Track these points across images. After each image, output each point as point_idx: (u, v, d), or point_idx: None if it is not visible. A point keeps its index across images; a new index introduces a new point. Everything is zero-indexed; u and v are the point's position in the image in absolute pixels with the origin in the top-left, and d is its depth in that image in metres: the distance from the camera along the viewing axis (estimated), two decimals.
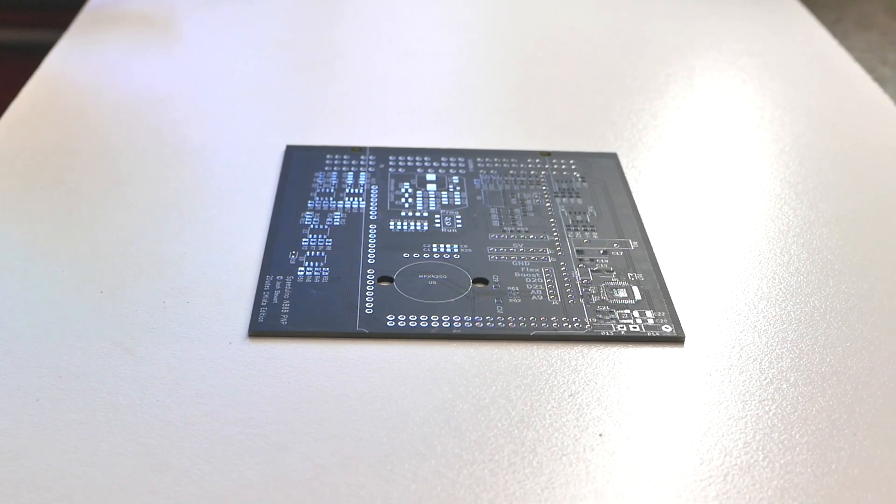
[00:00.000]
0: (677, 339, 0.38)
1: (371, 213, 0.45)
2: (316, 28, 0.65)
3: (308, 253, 0.42)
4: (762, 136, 0.53)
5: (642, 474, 0.32)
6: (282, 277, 0.40)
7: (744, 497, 0.31)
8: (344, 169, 0.48)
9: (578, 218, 0.45)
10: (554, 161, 0.49)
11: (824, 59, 0.62)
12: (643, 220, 0.45)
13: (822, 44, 0.64)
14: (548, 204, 0.46)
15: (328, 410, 0.34)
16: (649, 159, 0.50)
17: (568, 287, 0.40)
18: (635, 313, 0.39)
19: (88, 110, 0.54)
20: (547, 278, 0.41)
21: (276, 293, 0.39)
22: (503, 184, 0.47)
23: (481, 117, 0.55)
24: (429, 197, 0.46)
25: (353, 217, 0.44)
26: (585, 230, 0.44)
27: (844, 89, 0.59)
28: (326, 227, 0.43)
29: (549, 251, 0.42)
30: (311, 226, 0.43)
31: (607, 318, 0.39)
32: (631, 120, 0.54)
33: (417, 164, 0.49)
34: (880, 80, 0.60)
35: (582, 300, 0.39)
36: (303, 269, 0.41)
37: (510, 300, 0.39)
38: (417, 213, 0.45)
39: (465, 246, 0.43)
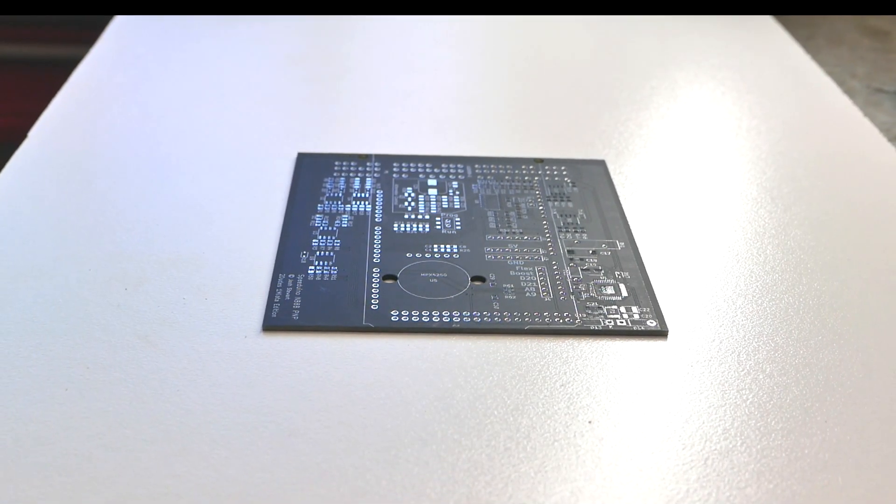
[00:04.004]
0: (661, 333, 0.38)
1: (376, 215, 0.45)
2: (326, 44, 0.65)
3: (318, 253, 0.42)
4: (740, 144, 0.53)
5: (628, 458, 0.32)
6: (293, 275, 0.40)
7: (723, 479, 0.31)
8: (351, 175, 0.48)
9: (569, 220, 0.45)
10: (546, 167, 0.49)
11: (798, 73, 0.62)
12: (629, 223, 0.45)
13: (795, 58, 0.64)
14: (541, 207, 0.46)
15: (336, 399, 0.34)
16: (635, 166, 0.50)
17: (559, 284, 0.40)
18: (622, 309, 0.39)
19: (114, 119, 0.54)
20: (540, 276, 0.41)
21: (289, 290, 0.39)
22: (499, 188, 0.47)
23: (479, 127, 0.55)
24: (430, 201, 0.46)
25: (360, 219, 0.44)
26: (576, 232, 0.44)
27: (816, 101, 0.59)
28: (335, 228, 0.43)
29: (541, 251, 0.42)
30: (321, 227, 0.43)
31: (596, 313, 0.38)
32: (618, 129, 0.54)
33: (419, 170, 0.49)
34: (850, 93, 0.60)
35: (572, 297, 0.39)
36: (313, 267, 0.41)
37: (506, 297, 0.39)
38: (419, 216, 0.45)
39: (464, 246, 0.43)
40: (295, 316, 0.38)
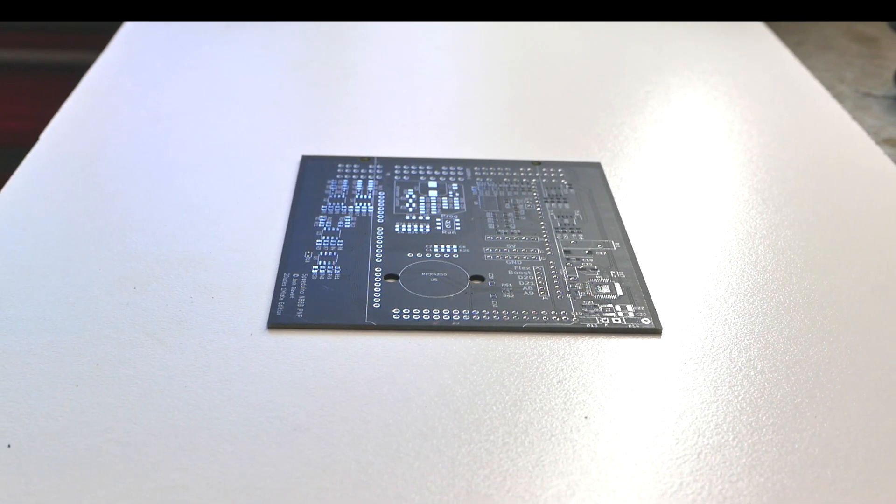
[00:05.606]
0: (655, 331, 0.38)
1: (378, 216, 0.45)
2: (329, 50, 0.65)
3: (321, 253, 0.42)
4: (732, 147, 0.53)
5: (623, 453, 0.32)
6: (298, 275, 0.40)
7: (715, 473, 0.31)
8: (354, 177, 0.48)
9: (566, 221, 0.45)
10: (544, 170, 0.49)
11: (788, 78, 0.62)
12: (624, 223, 0.45)
13: (785, 64, 0.64)
14: (538, 208, 0.46)
15: (339, 395, 0.34)
16: (630, 168, 0.50)
17: (556, 283, 0.40)
18: (617, 307, 0.39)
19: (123, 123, 0.54)
20: (537, 275, 0.41)
21: (293, 289, 0.39)
22: (498, 190, 0.47)
23: (478, 130, 0.55)
24: (430, 202, 0.46)
25: (362, 220, 0.44)
26: (572, 232, 0.44)
27: (806, 105, 0.59)
28: (338, 229, 0.43)
29: (539, 251, 0.42)
30: (324, 228, 0.43)
31: (592, 311, 0.38)
32: (613, 133, 0.54)
33: (420, 172, 0.49)
34: (838, 97, 0.60)
35: (569, 295, 0.39)
36: (317, 267, 0.41)
37: (504, 295, 0.39)
38: (420, 217, 0.45)
39: (464, 246, 0.43)
40: (299, 314, 0.38)
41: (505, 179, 0.48)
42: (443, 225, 0.44)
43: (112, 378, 0.34)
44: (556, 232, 0.44)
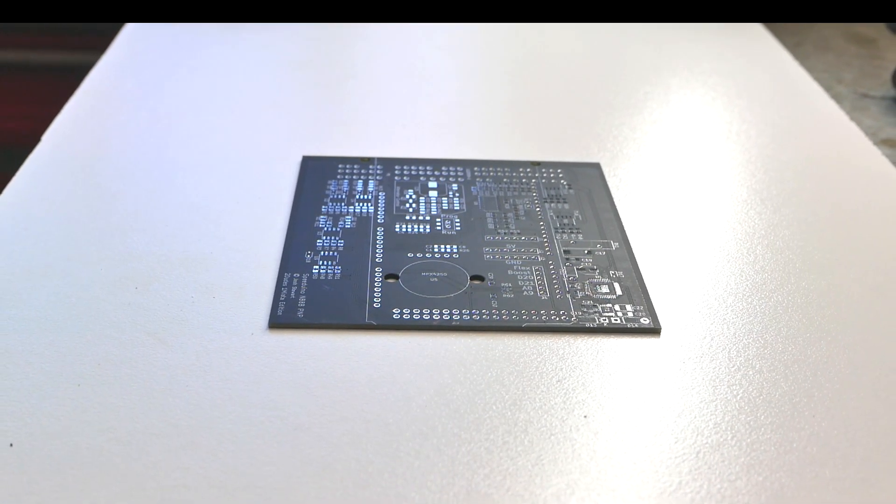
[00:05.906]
0: (654, 331, 0.38)
1: (379, 217, 0.45)
2: (329, 51, 0.65)
3: (322, 253, 0.42)
4: (731, 147, 0.53)
5: (622, 452, 0.32)
6: (298, 275, 0.40)
7: (714, 472, 0.31)
8: (354, 177, 0.48)
9: (565, 221, 0.45)
10: (543, 170, 0.49)
11: (786, 79, 0.62)
12: (623, 224, 0.45)
13: (784, 65, 0.64)
14: (538, 209, 0.46)
15: (340, 394, 0.34)
16: (629, 169, 0.50)
17: (556, 283, 0.40)
18: (616, 307, 0.39)
19: (125, 123, 0.54)
20: (537, 275, 0.41)
21: (294, 289, 0.39)
22: (497, 190, 0.47)
23: (478, 131, 0.55)
24: (431, 202, 0.46)
25: (363, 220, 0.44)
26: (571, 232, 0.44)
27: (804, 105, 0.59)
28: (339, 229, 0.43)
29: (538, 251, 0.42)
30: (325, 228, 0.43)
31: (591, 311, 0.38)
32: (613, 133, 0.54)
33: (420, 172, 0.49)
34: (836, 98, 0.60)
35: (568, 295, 0.39)
36: (317, 267, 0.41)
37: (504, 295, 0.39)
38: (420, 217, 0.45)
39: (464, 246, 0.43)
40: (300, 314, 0.38)
41: (505, 180, 0.48)
42: (443, 225, 0.44)
43: (113, 377, 0.34)
44: (556, 232, 0.44)
